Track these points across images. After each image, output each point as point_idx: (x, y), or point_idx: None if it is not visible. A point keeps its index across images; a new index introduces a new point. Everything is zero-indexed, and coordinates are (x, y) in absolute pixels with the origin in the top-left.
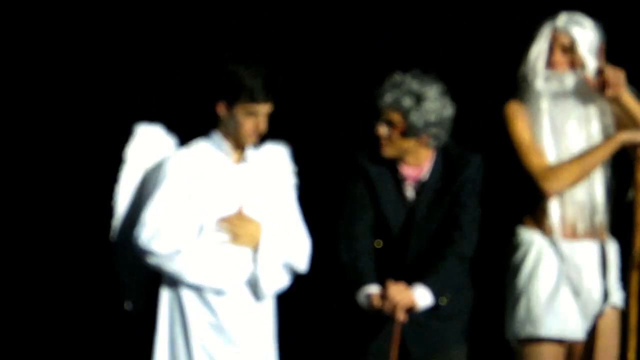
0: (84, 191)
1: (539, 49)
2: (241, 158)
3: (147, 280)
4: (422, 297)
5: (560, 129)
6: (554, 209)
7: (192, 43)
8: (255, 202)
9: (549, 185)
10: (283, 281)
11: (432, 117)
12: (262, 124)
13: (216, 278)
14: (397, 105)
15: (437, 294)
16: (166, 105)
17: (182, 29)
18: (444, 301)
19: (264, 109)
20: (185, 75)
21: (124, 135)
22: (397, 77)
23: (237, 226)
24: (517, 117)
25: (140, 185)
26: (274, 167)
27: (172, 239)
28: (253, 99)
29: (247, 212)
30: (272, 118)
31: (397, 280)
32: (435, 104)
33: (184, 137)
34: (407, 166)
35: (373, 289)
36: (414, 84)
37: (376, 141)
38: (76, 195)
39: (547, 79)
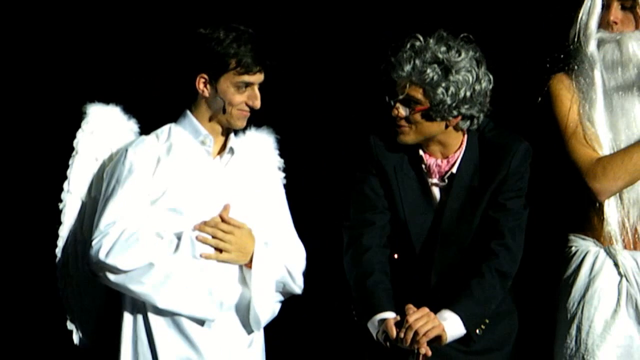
0: (21, 190)
1: (591, 5)
2: (224, 148)
3: (101, 307)
4: (451, 326)
5: (618, 107)
6: (611, 213)
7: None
8: (242, 205)
9: (598, 184)
10: (277, 306)
11: (464, 93)
12: (257, 99)
13: (196, 303)
14: (419, 78)
15: (471, 321)
16: (124, 80)
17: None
18: (480, 331)
19: (257, 79)
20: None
21: (73, 118)
22: (417, 41)
23: (224, 236)
24: (564, 94)
25: (94, 182)
26: (261, 160)
27: (137, 252)
28: (244, 67)
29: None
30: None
31: (419, 304)
32: (467, 76)
33: (148, 120)
34: (433, 157)
35: (388, 316)
36: (439, 50)
37: (392, 125)
38: (11, 196)
39: (602, 42)
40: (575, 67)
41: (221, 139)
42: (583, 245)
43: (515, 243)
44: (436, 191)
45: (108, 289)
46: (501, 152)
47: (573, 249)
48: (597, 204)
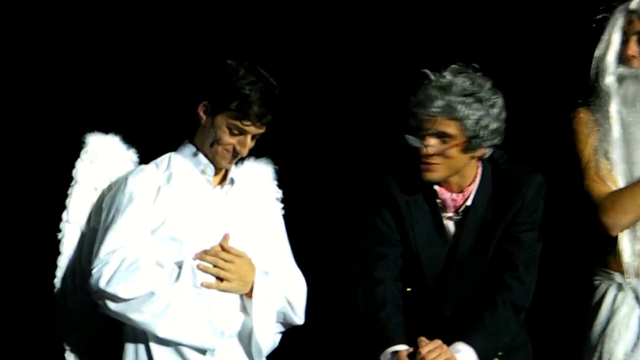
0: (20, 220)
1: (609, 41)
2: (224, 178)
3: (100, 338)
4: (465, 358)
5: (634, 141)
6: (625, 246)
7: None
8: (242, 235)
9: (608, 218)
10: (278, 337)
11: (494, 123)
12: (245, 147)
13: (197, 332)
14: (452, 113)
15: (484, 354)
16: (123, 109)
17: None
18: None
19: (253, 130)
20: (149, 74)
21: (73, 148)
22: (439, 77)
23: (224, 265)
24: (581, 129)
25: (93, 212)
26: (260, 190)
27: (137, 280)
28: (241, 113)
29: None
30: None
31: (432, 337)
32: (494, 105)
33: (148, 149)
34: (448, 191)
35: (400, 348)
36: (465, 83)
37: (417, 162)
38: (11, 226)
39: (622, 77)
40: (594, 102)
41: (221, 170)
42: (605, 278)
43: (528, 276)
44: (450, 225)
45: (107, 320)
46: (515, 185)
47: (596, 282)
48: (613, 238)
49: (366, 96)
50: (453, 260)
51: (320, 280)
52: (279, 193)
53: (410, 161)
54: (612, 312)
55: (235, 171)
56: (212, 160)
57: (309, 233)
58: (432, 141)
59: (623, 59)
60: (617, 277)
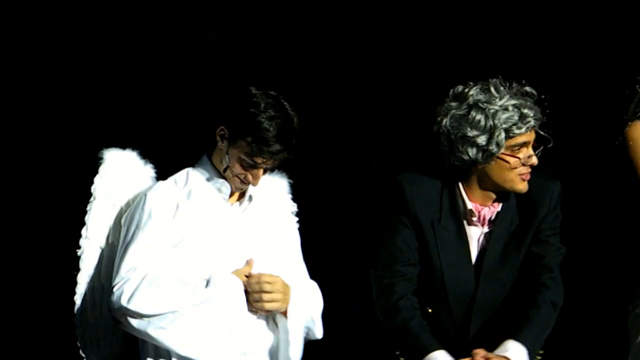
0: (40, 237)
1: None
2: (242, 195)
3: (119, 354)
4: (517, 356)
5: None
6: None
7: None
8: (260, 251)
9: None
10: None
11: None
12: (257, 179)
13: (218, 351)
14: (539, 121)
15: (532, 351)
16: (140, 124)
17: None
18: None
19: (263, 165)
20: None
21: (91, 164)
22: (509, 90)
23: (272, 287)
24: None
25: (112, 228)
26: (275, 205)
27: (159, 297)
28: (259, 150)
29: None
30: None
31: (457, 353)
32: None
33: (165, 165)
34: (483, 205)
35: (442, 354)
36: (525, 91)
37: (520, 174)
38: (30, 243)
39: None
40: None
41: None
42: None
43: (559, 276)
44: (478, 237)
45: (126, 337)
46: (540, 192)
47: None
48: None
49: (384, 107)
50: (480, 271)
51: (334, 292)
52: (293, 207)
53: (442, 178)
54: None
55: (252, 188)
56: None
57: (323, 245)
58: (533, 150)
59: None
60: None
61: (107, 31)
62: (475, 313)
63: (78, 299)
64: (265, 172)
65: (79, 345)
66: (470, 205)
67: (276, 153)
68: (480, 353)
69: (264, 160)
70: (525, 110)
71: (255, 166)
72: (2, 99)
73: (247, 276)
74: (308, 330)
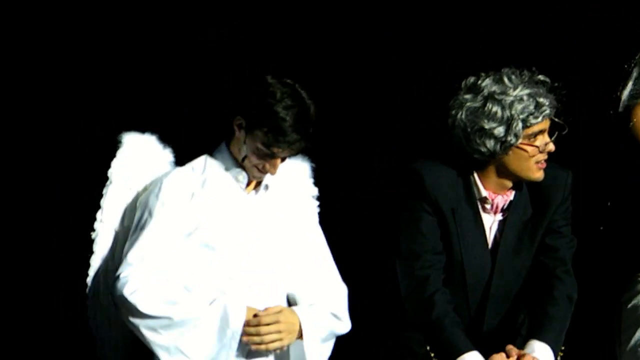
0: (54, 219)
1: None
2: (258, 184)
3: (130, 337)
4: (544, 356)
5: None
6: None
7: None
8: (277, 241)
9: None
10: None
11: None
12: (275, 168)
13: None
14: (555, 109)
15: (556, 349)
16: (160, 109)
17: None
18: (559, 358)
19: (280, 155)
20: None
21: (109, 147)
22: (521, 79)
23: (269, 329)
24: None
25: (127, 212)
26: (295, 191)
27: (162, 300)
28: (275, 139)
29: (264, 253)
30: None
31: (472, 340)
32: None
33: (184, 149)
34: (496, 194)
35: (476, 356)
36: (539, 79)
37: (536, 163)
38: (44, 226)
39: None
40: None
41: None
42: None
43: (571, 269)
44: (493, 226)
45: None
46: (553, 182)
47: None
48: None
49: (405, 96)
50: (494, 261)
51: (358, 279)
52: (314, 191)
53: (456, 167)
54: None
55: (269, 177)
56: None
57: (345, 231)
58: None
59: None
60: None
61: (131, 19)
62: (490, 302)
63: (90, 281)
64: (283, 160)
65: (90, 326)
66: (484, 192)
67: (293, 143)
68: (515, 349)
69: (281, 150)
70: (541, 99)
71: (272, 156)
72: (28, 82)
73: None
74: (334, 331)
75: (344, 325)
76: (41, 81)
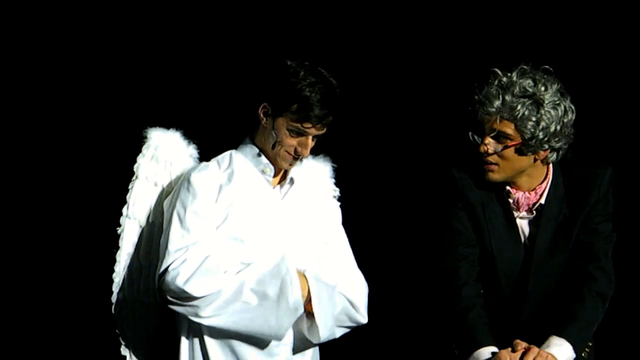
0: (81, 214)
1: None
2: (284, 178)
3: (155, 333)
4: (562, 352)
5: None
6: None
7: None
8: (300, 235)
9: None
10: (340, 331)
11: (554, 126)
12: (307, 149)
13: (273, 315)
14: (510, 114)
15: (579, 345)
16: (184, 104)
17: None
18: (585, 354)
19: (314, 132)
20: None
21: (135, 142)
22: (502, 76)
23: None
24: None
25: (153, 208)
26: (318, 189)
27: (216, 284)
28: (305, 116)
29: (290, 246)
30: None
31: (510, 337)
32: (557, 109)
33: (208, 145)
34: (520, 190)
35: (492, 349)
36: (527, 84)
37: (480, 162)
38: (70, 220)
39: None
40: None
41: (280, 169)
42: None
43: (609, 265)
44: (524, 224)
45: (162, 315)
46: (589, 180)
47: None
48: None
49: (428, 93)
50: (530, 261)
51: (380, 278)
52: (336, 191)
53: (478, 161)
54: None
55: (294, 170)
56: (272, 161)
57: (367, 231)
58: (490, 140)
59: None
60: None
61: (158, 13)
62: (528, 299)
63: (116, 277)
64: (314, 139)
65: (115, 322)
66: (508, 187)
67: (322, 117)
68: (521, 344)
69: (311, 125)
70: (482, 95)
71: (304, 133)
72: (54, 79)
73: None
74: (348, 316)
75: (361, 316)
76: (68, 78)
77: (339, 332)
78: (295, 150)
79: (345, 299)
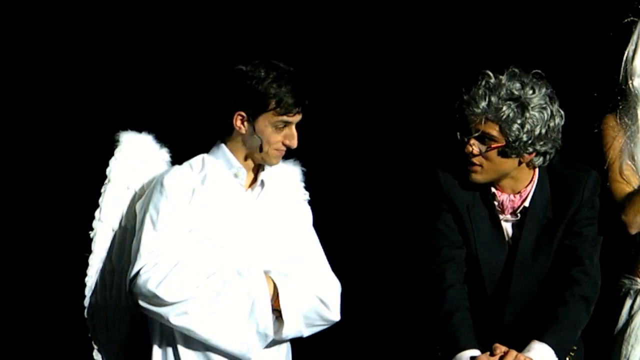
0: (53, 218)
1: (636, 43)
2: (255, 181)
3: (127, 338)
4: (543, 356)
5: None
6: None
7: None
8: (272, 238)
9: (625, 216)
10: (308, 331)
11: (539, 130)
12: (295, 139)
13: (242, 336)
14: (494, 115)
15: (561, 350)
16: (155, 108)
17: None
18: (570, 358)
19: (295, 119)
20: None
21: (107, 146)
22: (491, 78)
23: None
24: (608, 133)
25: (125, 211)
26: (289, 192)
27: (187, 286)
28: (284, 107)
29: (262, 249)
30: None
31: (492, 340)
32: (542, 112)
33: (179, 149)
34: (504, 192)
35: (474, 353)
36: (514, 87)
37: (464, 163)
38: (43, 224)
39: None
40: (622, 105)
41: (252, 171)
42: (627, 284)
43: (594, 269)
44: (508, 227)
45: (134, 320)
46: (572, 183)
47: (619, 288)
48: (637, 240)
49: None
50: (512, 263)
51: (349, 279)
52: (306, 195)
53: (464, 162)
54: (630, 317)
55: (264, 173)
56: (257, 161)
57: (336, 234)
58: (474, 141)
59: None
60: (637, 282)
61: (125, 18)
62: (510, 302)
63: (89, 281)
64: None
65: (87, 326)
66: (492, 189)
67: (301, 101)
68: (500, 348)
69: (294, 113)
70: (469, 95)
71: (288, 124)
72: (20, 79)
73: None
74: (319, 314)
75: (332, 314)
76: (38, 81)
77: (308, 331)
78: (284, 142)
79: (315, 298)
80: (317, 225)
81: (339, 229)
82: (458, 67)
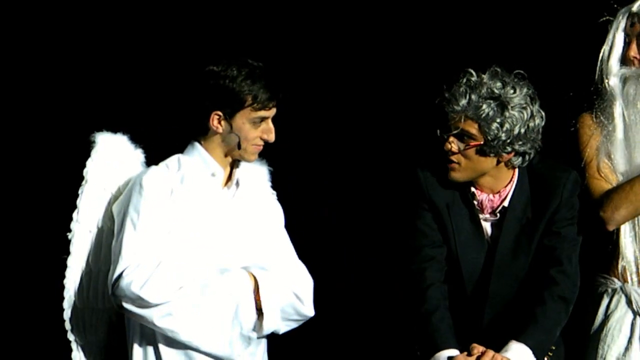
0: (30, 219)
1: (612, 43)
2: (229, 179)
3: (105, 339)
4: (520, 356)
5: (634, 139)
6: (627, 249)
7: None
8: (248, 235)
9: (603, 212)
10: (285, 327)
11: (519, 129)
12: (272, 132)
13: (225, 339)
14: (474, 113)
15: (539, 350)
16: (129, 109)
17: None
18: (548, 358)
19: (272, 113)
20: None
21: (82, 147)
22: (472, 76)
23: None
24: (584, 131)
25: (103, 212)
26: (261, 192)
27: (171, 288)
28: (260, 103)
29: (241, 247)
30: None
31: (471, 339)
32: (522, 112)
33: (153, 149)
34: (484, 192)
35: (453, 353)
36: (495, 86)
37: (444, 160)
38: (20, 226)
39: (625, 78)
40: (598, 104)
41: (227, 170)
42: (603, 284)
43: (572, 269)
44: (487, 226)
45: (112, 322)
46: (552, 183)
47: (595, 287)
48: (614, 238)
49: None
50: (492, 263)
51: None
52: (274, 194)
53: (444, 161)
54: (606, 318)
55: (239, 172)
56: (236, 158)
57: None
58: (453, 139)
59: (626, 60)
60: (614, 282)
61: (103, 18)
62: (489, 302)
63: (67, 282)
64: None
65: (66, 328)
66: (472, 189)
67: (276, 94)
68: (478, 348)
69: (271, 106)
70: (450, 93)
71: (265, 118)
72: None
73: None
74: (295, 309)
75: (307, 309)
76: (14, 83)
77: (284, 326)
78: (262, 137)
79: (291, 293)
80: (310, 225)
81: (326, 227)
82: (442, 68)
